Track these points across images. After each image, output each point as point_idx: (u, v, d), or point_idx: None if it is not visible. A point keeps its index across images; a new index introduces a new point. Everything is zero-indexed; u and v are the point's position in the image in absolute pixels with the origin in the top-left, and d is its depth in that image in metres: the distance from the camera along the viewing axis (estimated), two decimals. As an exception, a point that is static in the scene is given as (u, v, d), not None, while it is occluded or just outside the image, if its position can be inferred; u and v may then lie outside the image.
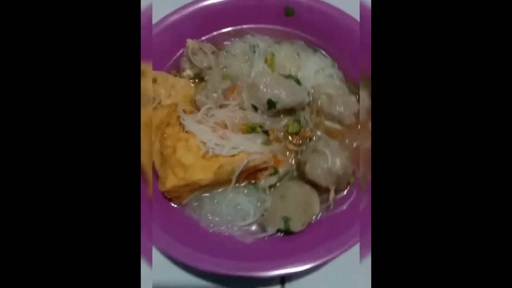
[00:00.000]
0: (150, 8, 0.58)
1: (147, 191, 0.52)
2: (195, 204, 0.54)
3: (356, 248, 0.49)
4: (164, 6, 0.60)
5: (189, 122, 0.53)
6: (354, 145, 0.57)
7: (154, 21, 0.59)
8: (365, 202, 0.51)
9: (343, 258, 0.50)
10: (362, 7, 0.56)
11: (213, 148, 0.52)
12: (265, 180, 0.54)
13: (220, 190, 0.54)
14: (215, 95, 0.56)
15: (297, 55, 0.62)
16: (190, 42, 0.60)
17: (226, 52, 0.62)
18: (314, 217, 0.53)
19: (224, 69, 0.60)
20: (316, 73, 0.60)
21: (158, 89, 0.57)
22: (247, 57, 0.61)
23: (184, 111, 0.55)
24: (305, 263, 0.48)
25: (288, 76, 0.58)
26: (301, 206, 0.52)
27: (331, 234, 0.51)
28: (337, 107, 0.57)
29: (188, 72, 0.60)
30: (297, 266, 0.48)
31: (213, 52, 0.61)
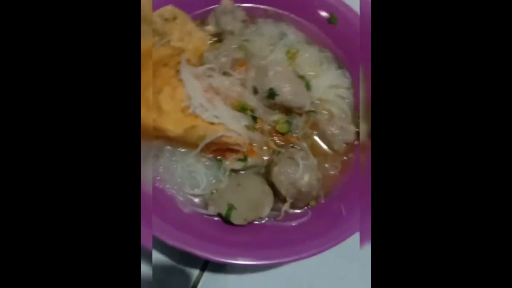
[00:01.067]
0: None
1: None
2: (154, 151, 0.52)
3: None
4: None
5: (186, 71, 0.52)
6: (331, 172, 0.55)
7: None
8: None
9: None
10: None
11: (195, 107, 0.50)
12: (230, 162, 0.52)
13: (183, 150, 0.52)
14: (224, 59, 0.54)
15: (320, 63, 0.60)
16: (226, 1, 0.58)
17: (255, 28, 0.60)
18: (259, 219, 0.51)
19: (245, 41, 0.58)
20: (329, 87, 0.58)
21: (173, 28, 0.55)
22: (272, 42, 0.59)
23: (188, 60, 0.53)
24: (228, 256, 0.46)
25: (301, 77, 0.56)
26: (251, 203, 0.50)
27: (268, 243, 0.48)
28: (333, 129, 0.55)
29: (210, 28, 0.58)
30: (220, 256, 0.46)
31: (243, 21, 0.59)
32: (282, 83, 0.53)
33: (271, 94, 0.53)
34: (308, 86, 0.56)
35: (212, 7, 0.61)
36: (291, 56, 0.58)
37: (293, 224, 0.52)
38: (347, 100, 0.58)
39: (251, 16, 0.62)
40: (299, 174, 0.49)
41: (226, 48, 0.55)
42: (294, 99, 0.53)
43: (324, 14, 0.62)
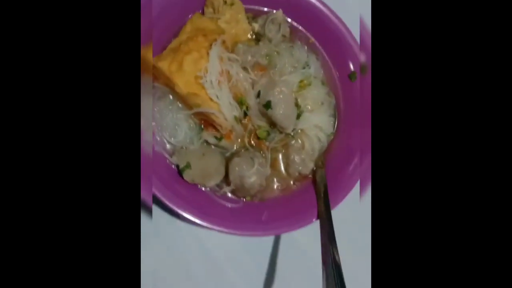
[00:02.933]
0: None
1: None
2: (159, 93, 0.64)
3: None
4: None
5: (216, 51, 0.62)
6: (274, 186, 0.67)
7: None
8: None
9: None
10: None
11: (206, 81, 0.61)
12: (208, 134, 0.64)
13: (180, 105, 0.64)
14: (250, 58, 0.64)
15: (321, 103, 0.69)
16: (280, 14, 0.67)
17: (291, 46, 0.69)
18: (203, 185, 0.63)
19: (275, 52, 0.67)
20: (315, 126, 0.68)
21: (227, 10, 0.64)
22: (296, 65, 0.68)
23: (223, 41, 0.63)
24: (166, 198, 0.59)
25: (297, 105, 0.66)
26: (204, 171, 0.62)
27: (200, 205, 0.61)
28: (297, 157, 0.66)
29: (256, 26, 0.67)
30: (161, 194, 0.59)
31: (283, 35, 0.68)
32: (280, 102, 0.63)
33: (267, 105, 0.63)
34: (298, 116, 0.66)
35: (268, 10, 0.69)
36: (302, 86, 0.68)
37: (227, 205, 0.64)
38: (321, 143, 0.69)
39: (293, 34, 0.71)
40: (249, 173, 0.61)
41: (257, 50, 0.65)
42: (282, 119, 0.63)
43: (351, 66, 0.71)
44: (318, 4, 0.69)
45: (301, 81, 0.68)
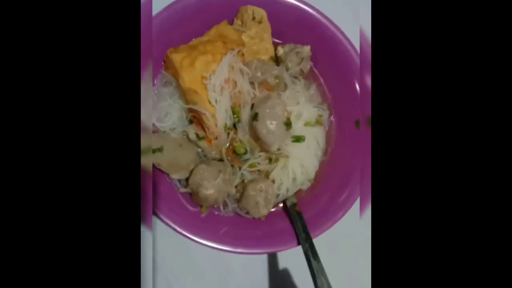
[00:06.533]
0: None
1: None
2: (165, 80, 0.69)
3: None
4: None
5: (229, 59, 0.65)
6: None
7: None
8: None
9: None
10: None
11: (210, 83, 0.64)
12: (193, 130, 0.66)
13: (180, 99, 0.68)
14: (259, 74, 0.66)
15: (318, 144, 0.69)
16: (307, 49, 0.69)
17: (303, 84, 0.71)
18: (167, 174, 0.65)
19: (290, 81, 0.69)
20: (300, 164, 0.67)
21: (254, 27, 0.68)
22: (299, 104, 0.68)
23: (240, 52, 0.67)
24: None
25: (287, 124, 0.64)
26: (173, 161, 0.64)
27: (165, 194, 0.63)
28: (253, 193, 0.63)
29: (281, 50, 0.70)
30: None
31: (302, 70, 0.70)
32: (267, 116, 0.61)
33: (255, 115, 0.62)
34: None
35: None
36: (307, 124, 0.68)
37: (189, 208, 0.64)
38: (294, 184, 0.68)
39: (312, 73, 0.72)
40: (208, 184, 0.61)
41: (269, 69, 0.66)
42: (265, 133, 0.61)
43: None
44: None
45: (306, 123, 0.67)
